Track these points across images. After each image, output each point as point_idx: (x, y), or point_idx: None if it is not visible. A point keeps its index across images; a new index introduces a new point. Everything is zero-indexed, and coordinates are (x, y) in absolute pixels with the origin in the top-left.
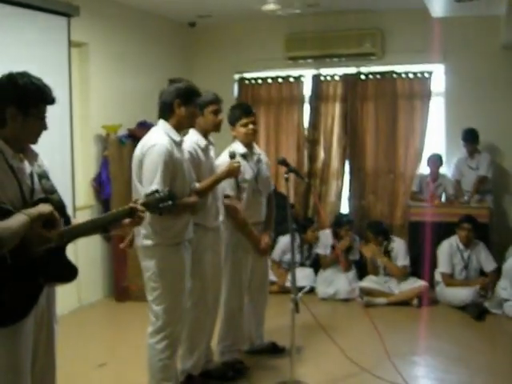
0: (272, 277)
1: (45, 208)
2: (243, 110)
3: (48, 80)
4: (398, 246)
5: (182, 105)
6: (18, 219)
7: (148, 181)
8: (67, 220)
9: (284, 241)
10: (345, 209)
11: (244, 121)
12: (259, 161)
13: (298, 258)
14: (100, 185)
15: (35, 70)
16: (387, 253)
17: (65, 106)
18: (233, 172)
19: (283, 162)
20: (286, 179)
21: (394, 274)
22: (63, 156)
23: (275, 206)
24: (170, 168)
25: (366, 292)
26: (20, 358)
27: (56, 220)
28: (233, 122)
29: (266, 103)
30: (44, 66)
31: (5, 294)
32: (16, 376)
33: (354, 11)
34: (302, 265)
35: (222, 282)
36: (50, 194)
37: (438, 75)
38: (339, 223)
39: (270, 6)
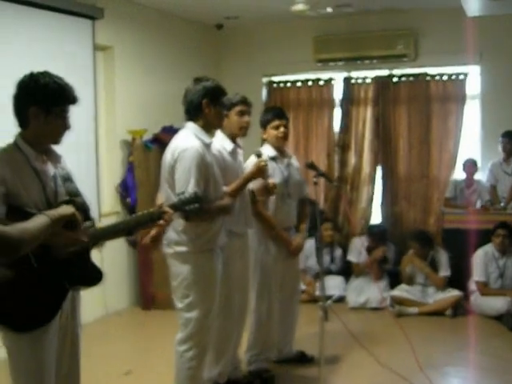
0: (301, 285)
1: (66, 209)
2: (275, 113)
3: (73, 84)
4: (441, 256)
5: (211, 104)
6: (38, 221)
7: (182, 187)
8: (92, 222)
9: (306, 245)
10: (377, 215)
11: (275, 123)
12: (290, 164)
13: (315, 262)
14: (126, 191)
15: (60, 74)
16: (432, 263)
17: (90, 111)
18: (260, 171)
19: (311, 166)
20: (315, 183)
21: (436, 285)
22: (88, 161)
23: None
24: (203, 172)
25: (397, 301)
26: (44, 363)
27: (78, 222)
28: (264, 125)
29: (295, 107)
30: (69, 70)
31: (29, 297)
32: (40, 381)
33: (386, 11)
34: (331, 272)
35: (248, 289)
36: (74, 197)
37: (473, 77)
38: (372, 233)
39: (299, 7)
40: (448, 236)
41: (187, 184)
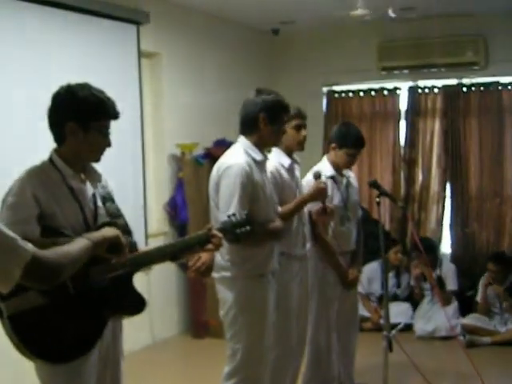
0: (364, 312)
1: (110, 232)
2: (357, 141)
3: (117, 94)
4: None
5: (268, 120)
6: (78, 244)
7: (225, 205)
8: (134, 246)
9: (369, 269)
10: (446, 237)
11: (352, 151)
12: (349, 184)
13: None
14: (175, 209)
15: (102, 83)
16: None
17: (135, 123)
18: (319, 194)
19: (374, 185)
20: (378, 203)
21: (510, 313)
22: (134, 178)
23: (367, 234)
24: (249, 191)
25: (468, 330)
26: None
27: (122, 245)
28: (340, 145)
29: (357, 119)
30: (112, 79)
31: (67, 326)
32: None
33: (454, 16)
34: (396, 298)
35: (308, 317)
36: (114, 218)
37: None
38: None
39: (359, 12)
40: None
41: (230, 203)
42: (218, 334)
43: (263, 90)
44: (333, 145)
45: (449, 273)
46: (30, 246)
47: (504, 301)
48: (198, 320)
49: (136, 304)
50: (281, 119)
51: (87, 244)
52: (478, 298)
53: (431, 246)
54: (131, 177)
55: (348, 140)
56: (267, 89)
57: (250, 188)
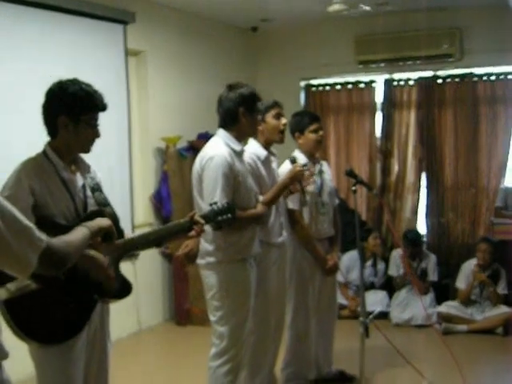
0: (342, 300)
1: (104, 222)
2: (312, 116)
3: (105, 90)
4: (500, 270)
5: (247, 112)
6: (79, 233)
7: (209, 195)
8: (121, 233)
9: (347, 258)
10: (421, 226)
11: (314, 126)
12: (322, 171)
13: (357, 275)
14: (160, 201)
15: (91, 80)
16: (493, 277)
17: (123, 118)
18: (296, 176)
19: (350, 173)
20: (354, 191)
21: (493, 302)
22: (121, 171)
23: (345, 223)
24: (231, 180)
25: (444, 318)
26: (71, 377)
27: (114, 234)
28: (301, 130)
29: (334, 111)
30: (100, 76)
31: (57, 309)
32: None
33: (429, 9)
34: (373, 286)
35: (285, 302)
36: (103, 207)
37: None
38: (406, 240)
39: (336, 7)
40: (499, 248)
41: (214, 193)
42: (199, 322)
43: (234, 84)
44: (296, 134)
45: (430, 264)
46: (44, 236)
47: (488, 288)
48: (181, 308)
49: (122, 288)
50: (257, 108)
51: (86, 233)
52: (461, 284)
53: (416, 239)
54: (119, 170)
55: (304, 120)
56: (238, 83)
57: (232, 177)
